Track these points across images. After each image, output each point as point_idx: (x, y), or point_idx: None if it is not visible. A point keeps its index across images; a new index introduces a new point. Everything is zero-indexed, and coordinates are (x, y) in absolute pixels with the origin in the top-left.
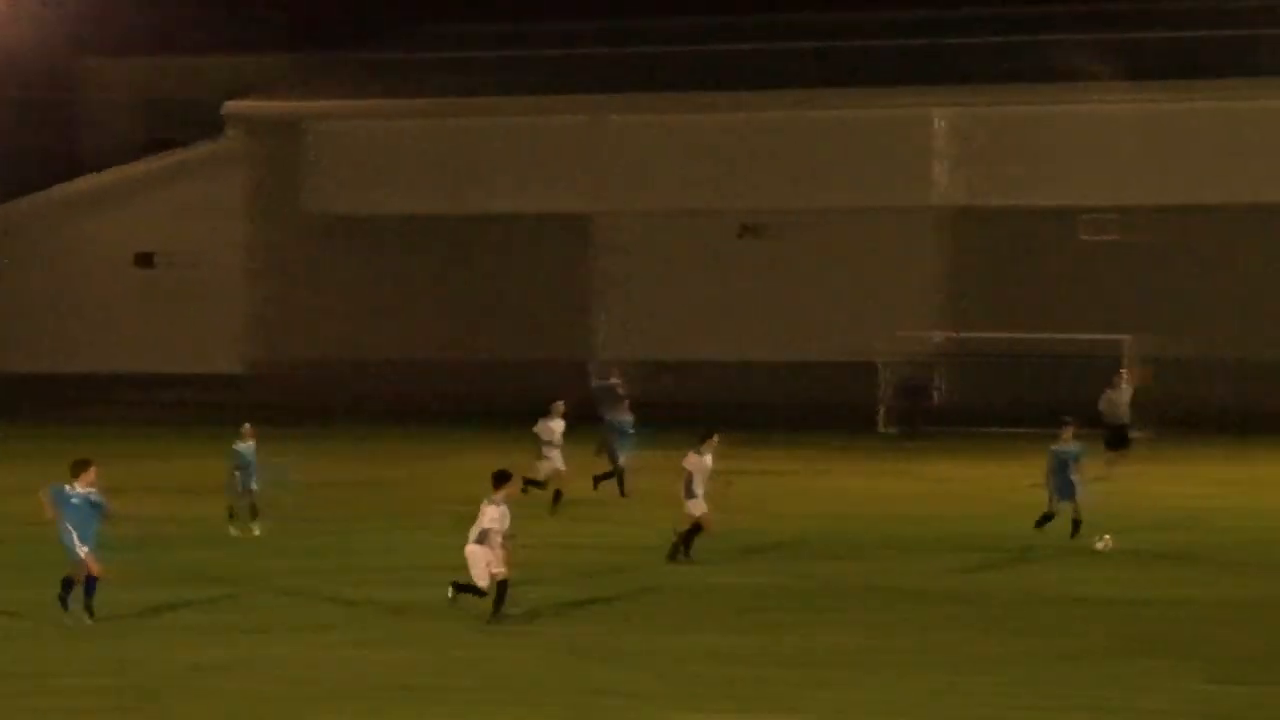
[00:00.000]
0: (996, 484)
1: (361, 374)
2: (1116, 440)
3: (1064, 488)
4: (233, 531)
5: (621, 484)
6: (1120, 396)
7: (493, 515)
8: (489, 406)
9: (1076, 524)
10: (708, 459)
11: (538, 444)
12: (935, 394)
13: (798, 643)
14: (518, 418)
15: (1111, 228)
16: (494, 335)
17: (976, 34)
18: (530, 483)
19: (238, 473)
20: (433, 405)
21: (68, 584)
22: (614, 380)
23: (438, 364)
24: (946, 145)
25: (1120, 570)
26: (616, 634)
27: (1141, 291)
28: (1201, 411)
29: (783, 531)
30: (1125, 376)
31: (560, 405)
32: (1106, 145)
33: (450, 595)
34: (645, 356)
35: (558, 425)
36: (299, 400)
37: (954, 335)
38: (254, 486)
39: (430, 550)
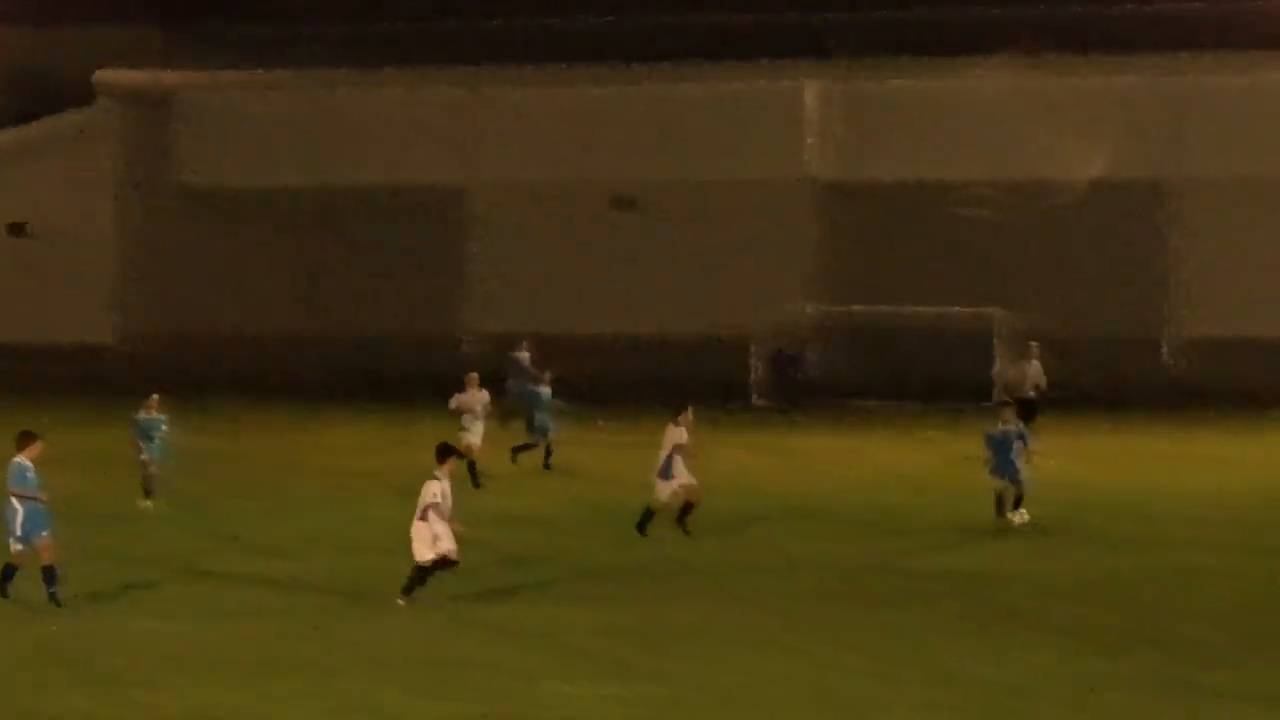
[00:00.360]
0: (867, 457)
1: (232, 347)
2: (1025, 413)
3: (1004, 467)
4: (145, 505)
5: (548, 456)
6: (1029, 369)
7: (435, 491)
8: (361, 380)
9: (1018, 500)
10: (684, 431)
11: (459, 417)
12: (808, 367)
13: (661, 616)
14: (389, 390)
15: (984, 202)
16: (365, 308)
17: (850, 8)
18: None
19: (143, 444)
20: (304, 378)
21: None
22: (525, 352)
23: (309, 337)
24: (819, 119)
25: (981, 543)
26: (494, 607)
27: (1013, 266)
28: (1070, 387)
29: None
30: (1035, 349)
31: (475, 376)
32: (979, 120)
33: (401, 602)
34: (517, 330)
35: (477, 396)
36: (169, 372)
37: (826, 309)
38: (149, 457)
39: (303, 524)
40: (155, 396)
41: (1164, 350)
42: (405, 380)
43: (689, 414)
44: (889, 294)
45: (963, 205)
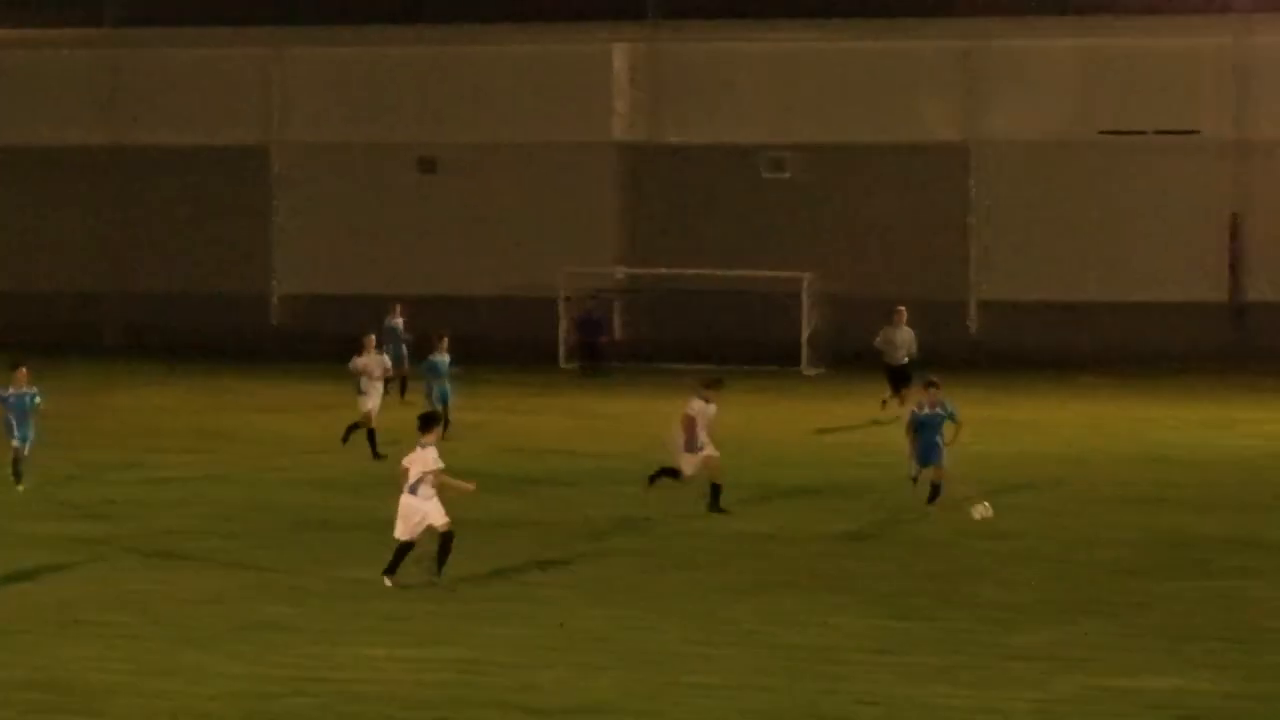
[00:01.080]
0: (673, 420)
1: (32, 306)
2: (897, 379)
3: (929, 452)
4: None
5: (446, 426)
6: (899, 335)
7: (426, 460)
8: (168, 340)
9: (935, 489)
10: (713, 407)
11: (355, 381)
12: (614, 330)
13: (464, 578)
14: (193, 350)
15: (791, 165)
16: (169, 268)
17: None
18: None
19: (15, 424)
20: (107, 338)
21: None
22: (399, 319)
23: (113, 297)
24: (625, 81)
25: (782, 505)
26: (297, 570)
27: (819, 229)
28: (869, 348)
29: (454, 467)
30: (903, 314)
31: (372, 339)
32: (785, 83)
33: (388, 582)
34: (326, 291)
35: (375, 360)
36: None
37: (633, 272)
38: (19, 437)
39: (105, 486)
40: (23, 369)
41: (969, 313)
42: (210, 340)
43: (722, 387)
44: (696, 257)
45: (769, 168)
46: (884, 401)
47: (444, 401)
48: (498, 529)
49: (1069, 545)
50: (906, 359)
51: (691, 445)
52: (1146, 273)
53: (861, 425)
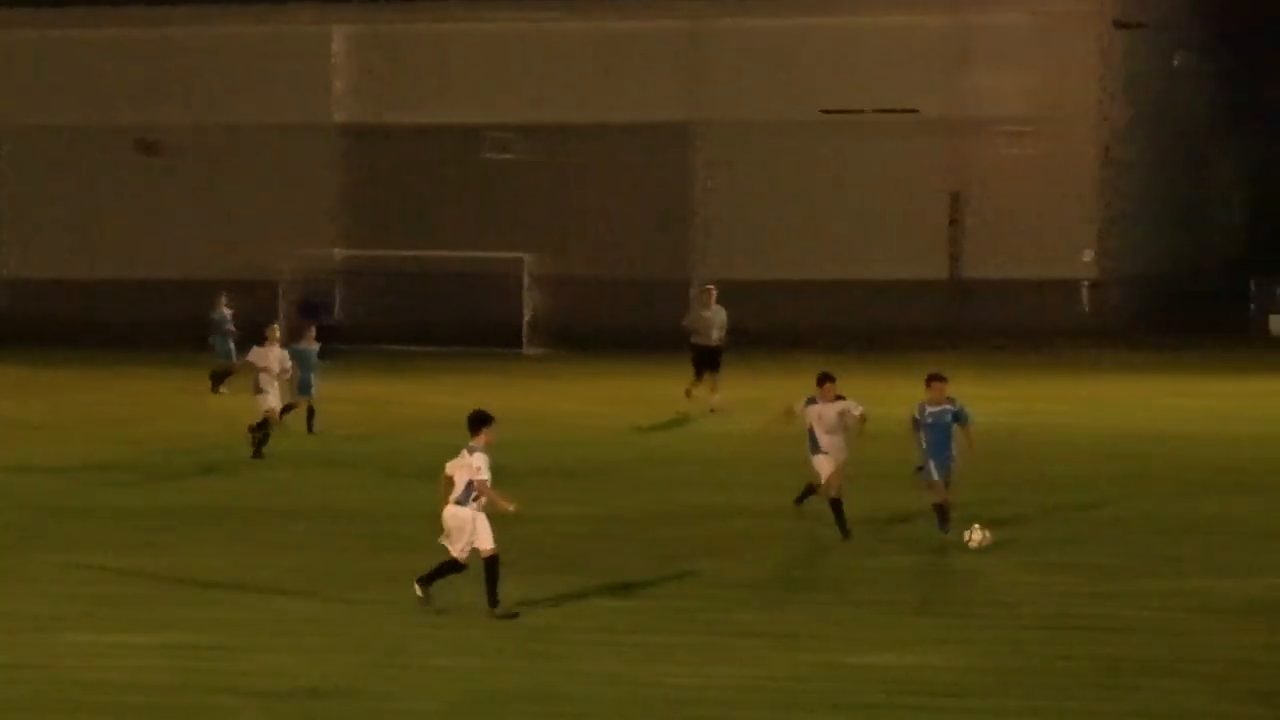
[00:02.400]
0: (393, 402)
1: None
2: (705, 362)
3: (942, 459)
4: None
5: (311, 417)
6: (711, 315)
7: (475, 465)
8: None
9: (943, 511)
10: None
11: (253, 375)
12: (335, 312)
13: (179, 563)
14: None
15: (513, 146)
16: None
17: None
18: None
19: None
20: None
21: None
22: (227, 309)
23: None
24: (346, 62)
25: (509, 488)
26: (29, 557)
27: (543, 209)
28: (595, 329)
29: (167, 452)
30: (713, 293)
31: (275, 329)
32: (509, 64)
33: (420, 594)
34: (49, 276)
35: (275, 355)
36: None
37: (354, 253)
38: None
39: None
40: None
41: (690, 293)
42: None
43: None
44: (419, 239)
45: (491, 149)
46: (688, 391)
47: (306, 392)
48: (218, 513)
49: (794, 524)
50: (718, 340)
51: (816, 448)
52: (869, 251)
53: (592, 404)
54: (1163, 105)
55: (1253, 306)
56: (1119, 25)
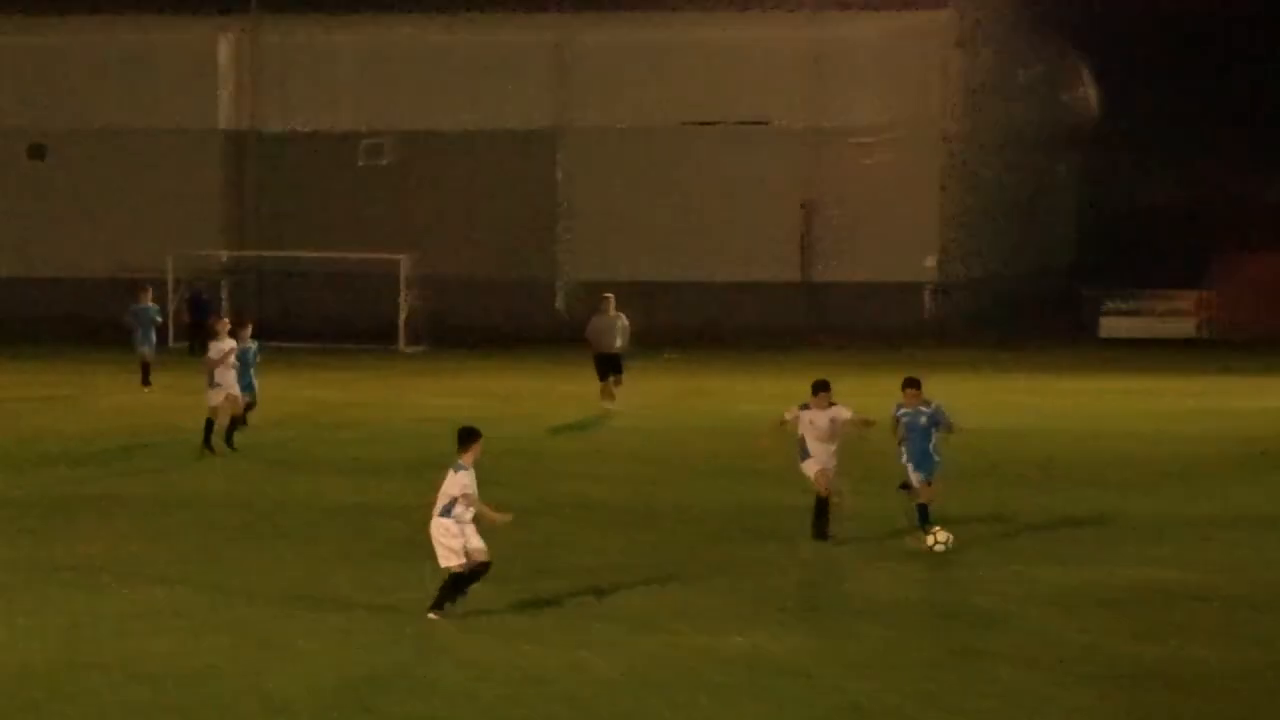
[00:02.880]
0: (274, 398)
1: None
2: (608, 366)
3: (922, 461)
4: None
5: (248, 409)
6: (607, 323)
7: (462, 483)
8: None
9: (923, 510)
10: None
11: (209, 371)
12: (222, 310)
13: (69, 549)
14: None
15: (388, 151)
16: None
17: None
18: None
19: None
20: None
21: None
22: (151, 303)
23: None
24: (231, 70)
25: (379, 480)
26: None
27: (417, 212)
28: (469, 327)
29: (44, 446)
30: (610, 301)
31: (226, 323)
32: (384, 73)
33: (433, 615)
34: None
35: (227, 348)
36: None
37: (237, 254)
38: None
39: None
40: None
41: (556, 293)
42: None
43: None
44: (300, 240)
45: (367, 155)
46: (603, 393)
47: (250, 390)
48: (98, 502)
49: (659, 513)
50: (620, 347)
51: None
52: (726, 254)
53: (463, 398)
54: (1002, 119)
55: (1084, 310)
56: (960, 44)
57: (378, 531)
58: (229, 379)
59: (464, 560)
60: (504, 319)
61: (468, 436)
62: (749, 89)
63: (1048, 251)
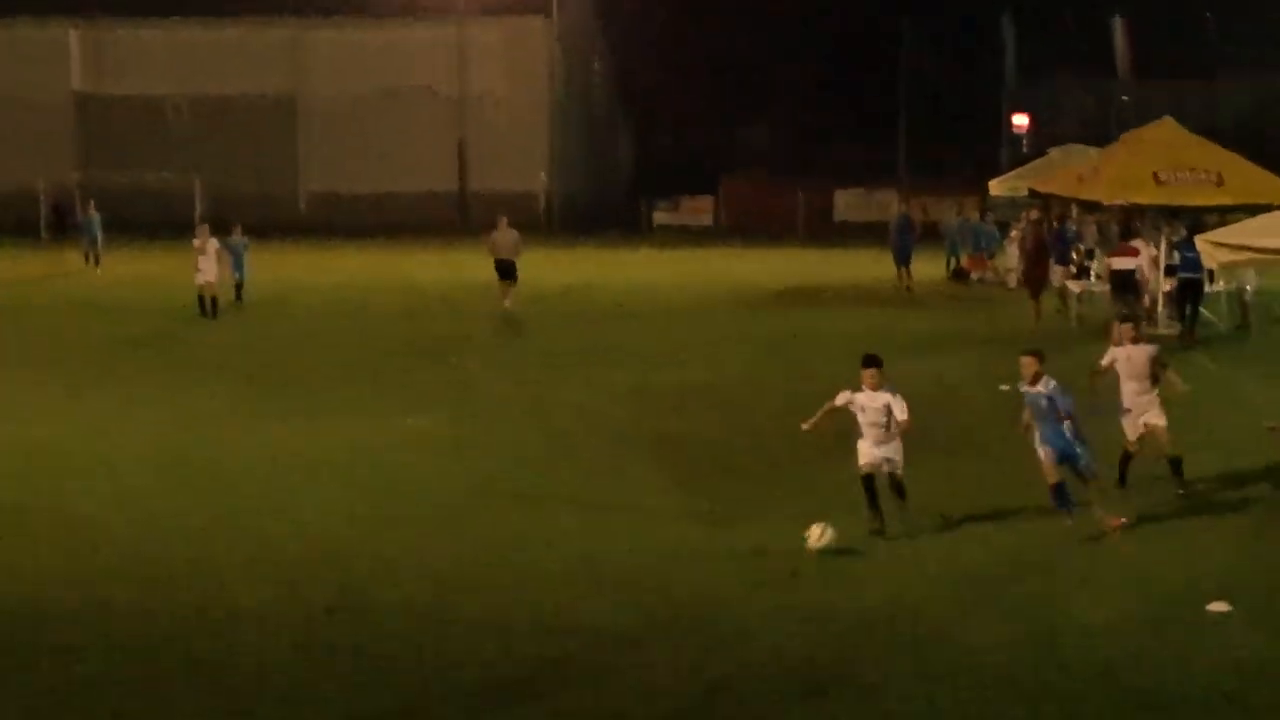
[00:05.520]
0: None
1: None
2: (503, 272)
3: (1059, 441)
4: None
5: (239, 292)
6: (502, 236)
7: None
8: None
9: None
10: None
11: (194, 259)
12: (76, 213)
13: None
14: None
15: (185, 111)
16: None
17: None
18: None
19: None
20: None
21: None
22: (95, 213)
23: None
24: (79, 52)
25: None
26: None
27: (200, 158)
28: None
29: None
30: (504, 220)
31: (206, 228)
32: (176, 56)
33: None
34: None
35: (210, 243)
36: None
37: (83, 175)
38: None
39: None
40: None
41: (299, 202)
42: None
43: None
44: (127, 168)
45: (171, 112)
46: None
47: (239, 270)
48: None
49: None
50: (510, 254)
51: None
52: (406, 174)
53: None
54: (586, 91)
55: (643, 211)
56: (559, 39)
57: None
58: (210, 266)
59: None
60: (259, 217)
61: None
62: (420, 69)
63: (615, 173)
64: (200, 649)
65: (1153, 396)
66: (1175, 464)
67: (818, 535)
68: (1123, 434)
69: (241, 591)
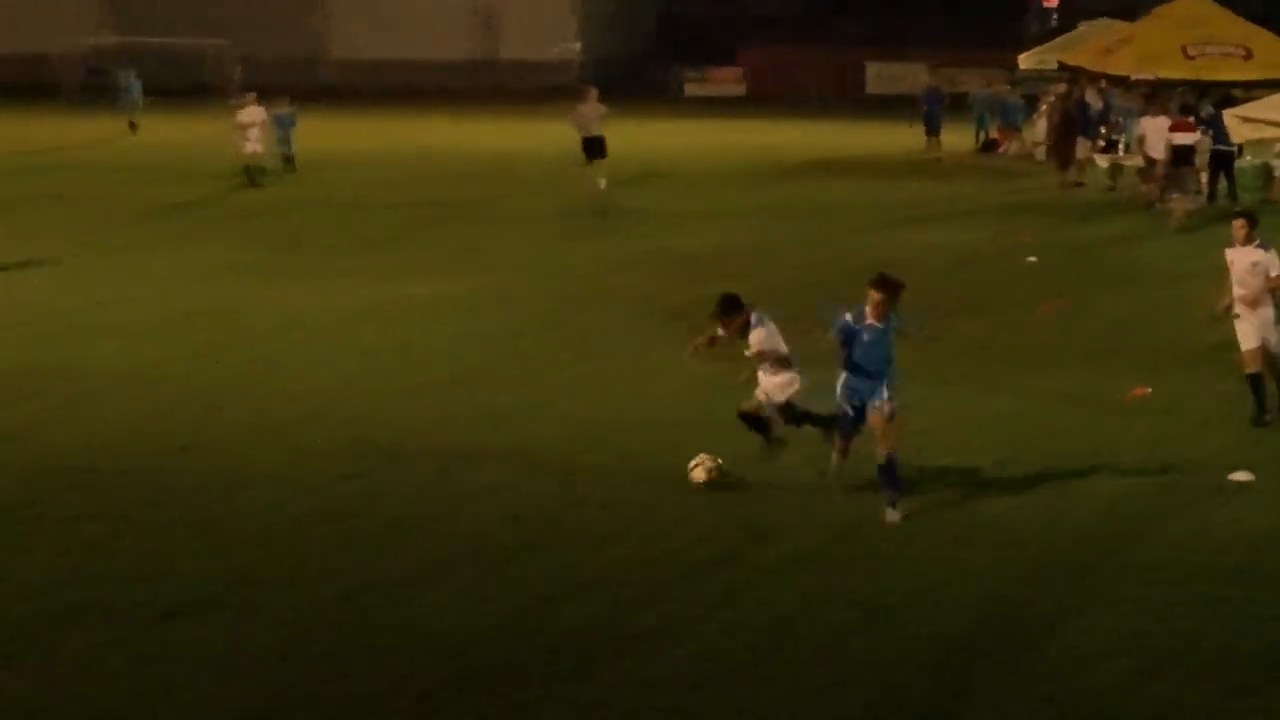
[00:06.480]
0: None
1: None
2: (593, 150)
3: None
4: None
5: (291, 162)
6: (591, 110)
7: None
8: None
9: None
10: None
11: (240, 131)
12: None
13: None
14: None
15: None
16: None
17: None
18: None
19: None
20: None
21: None
22: (136, 79)
23: None
24: None
25: None
26: None
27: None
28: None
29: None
30: (594, 93)
31: (252, 95)
32: None
33: None
34: None
35: (256, 112)
36: None
37: (114, 39)
38: None
39: None
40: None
41: (325, 68)
42: None
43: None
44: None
45: None
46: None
47: (287, 144)
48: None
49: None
50: (598, 130)
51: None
52: (428, 36)
53: None
54: None
55: (670, 81)
56: None
57: None
58: (255, 136)
59: None
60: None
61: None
62: None
63: (640, 41)
64: (212, 515)
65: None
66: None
67: (698, 470)
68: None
69: (256, 456)
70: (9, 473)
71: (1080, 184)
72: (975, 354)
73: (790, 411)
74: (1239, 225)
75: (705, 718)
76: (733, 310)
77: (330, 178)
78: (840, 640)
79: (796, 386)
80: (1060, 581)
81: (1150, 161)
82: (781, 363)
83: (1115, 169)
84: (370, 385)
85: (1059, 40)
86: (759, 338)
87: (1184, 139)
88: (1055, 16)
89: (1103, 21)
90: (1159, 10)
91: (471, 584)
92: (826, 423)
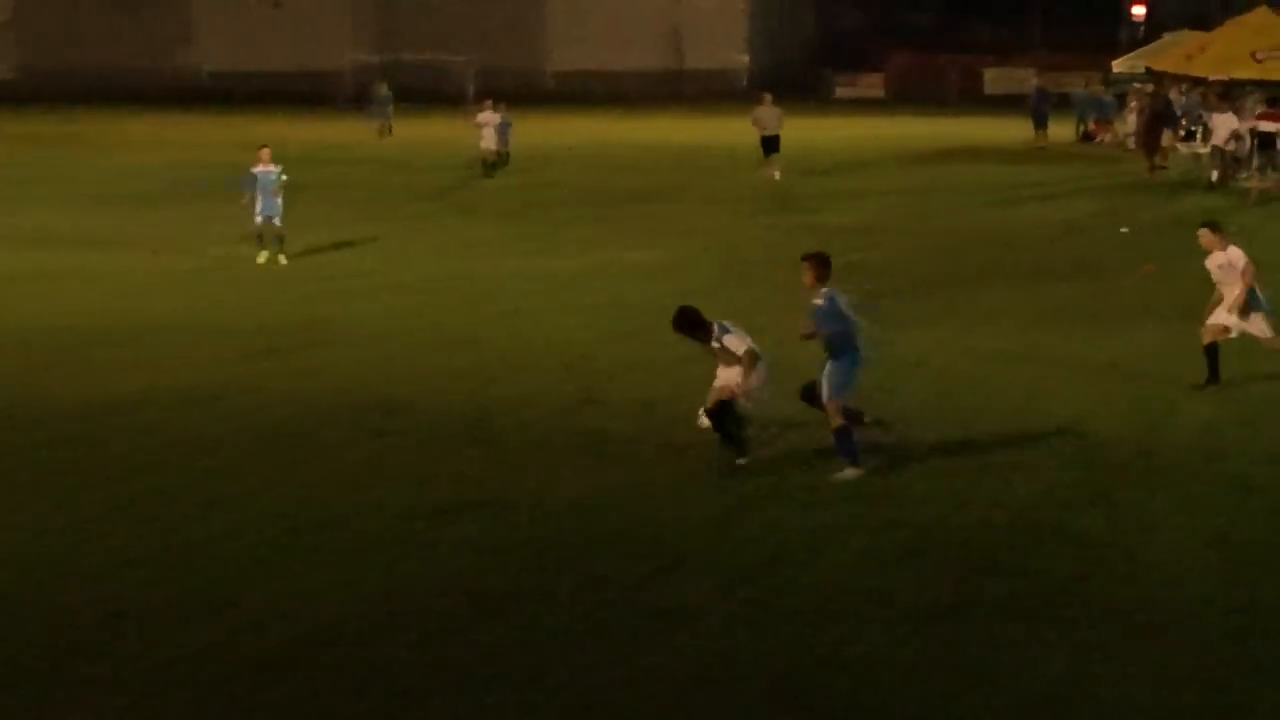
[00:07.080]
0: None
1: None
2: (769, 147)
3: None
4: None
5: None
6: (767, 111)
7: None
8: None
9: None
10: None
11: (477, 131)
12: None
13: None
14: None
15: None
16: None
17: None
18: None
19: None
20: None
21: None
22: (388, 91)
23: None
24: None
25: None
26: None
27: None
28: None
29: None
30: (769, 97)
31: (489, 102)
32: None
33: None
34: None
35: (490, 116)
36: None
37: (374, 58)
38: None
39: None
40: (266, 149)
41: (546, 77)
42: None
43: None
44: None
45: None
46: (761, 166)
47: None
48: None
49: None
50: (775, 129)
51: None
52: (638, 49)
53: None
54: None
55: (822, 84)
56: None
57: None
58: (490, 134)
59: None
60: (517, 88)
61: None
62: None
63: (798, 50)
64: (473, 431)
65: None
66: None
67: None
68: None
69: (505, 382)
70: (347, 395)
71: (1164, 168)
72: (1088, 307)
73: (725, 411)
74: (1201, 234)
75: None
76: (692, 328)
77: (550, 168)
78: None
79: (756, 384)
80: (1140, 484)
81: (1217, 150)
82: (737, 361)
83: (1194, 156)
84: (592, 330)
85: (1147, 48)
86: (735, 341)
87: (1270, 127)
88: (1142, 27)
89: (1183, 31)
90: (1232, 20)
91: (673, 491)
92: (739, 443)
